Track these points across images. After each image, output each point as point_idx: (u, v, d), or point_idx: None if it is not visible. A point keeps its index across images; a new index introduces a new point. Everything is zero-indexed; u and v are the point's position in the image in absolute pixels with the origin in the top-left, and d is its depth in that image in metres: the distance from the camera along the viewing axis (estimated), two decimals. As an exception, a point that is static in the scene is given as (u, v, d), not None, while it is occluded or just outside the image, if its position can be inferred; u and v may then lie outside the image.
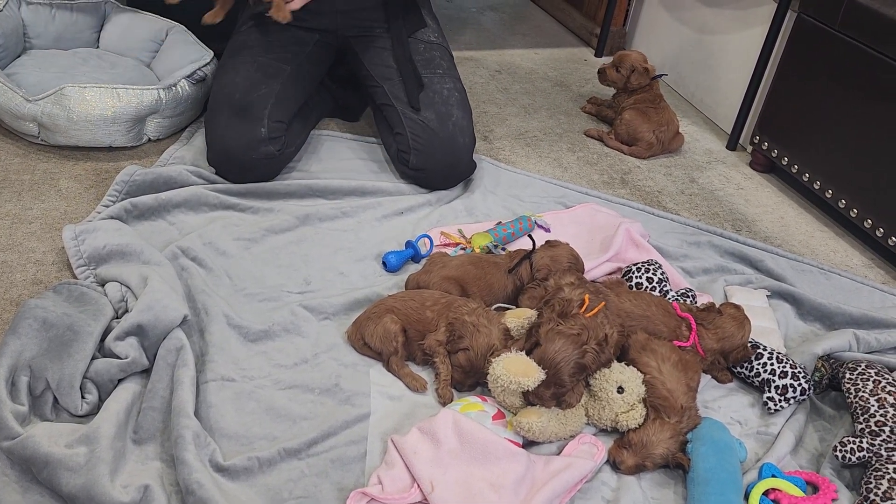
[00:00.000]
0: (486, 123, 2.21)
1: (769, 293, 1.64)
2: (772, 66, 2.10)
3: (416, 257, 1.61)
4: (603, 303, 1.30)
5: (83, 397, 1.18)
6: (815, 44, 1.89)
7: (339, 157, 1.93)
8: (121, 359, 1.21)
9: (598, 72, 2.20)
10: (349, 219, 1.70)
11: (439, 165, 1.77)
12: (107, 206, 1.59)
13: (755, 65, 2.13)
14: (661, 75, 2.18)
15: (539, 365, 1.21)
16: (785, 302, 1.64)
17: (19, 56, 1.96)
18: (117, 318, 1.31)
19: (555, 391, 1.21)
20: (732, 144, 2.25)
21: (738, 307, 1.45)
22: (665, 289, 1.55)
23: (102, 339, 1.25)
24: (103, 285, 1.37)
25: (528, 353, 1.24)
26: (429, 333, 1.35)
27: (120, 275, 1.35)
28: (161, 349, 1.25)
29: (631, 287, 1.53)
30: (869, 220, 1.81)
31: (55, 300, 1.28)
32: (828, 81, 1.87)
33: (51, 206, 1.62)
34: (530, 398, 1.22)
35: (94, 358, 1.22)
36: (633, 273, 1.56)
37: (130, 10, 2.09)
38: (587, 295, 1.30)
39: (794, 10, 1.99)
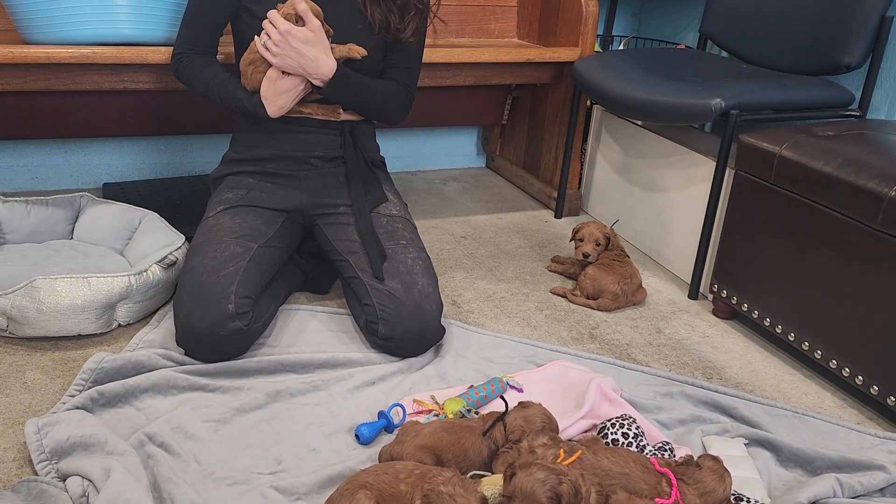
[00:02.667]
0: (455, 288, 2.26)
1: (747, 441, 1.63)
2: (719, 218, 2.22)
3: (389, 427, 1.59)
4: (580, 451, 1.32)
5: None
6: (755, 197, 2.01)
7: (309, 329, 1.95)
8: (79, 560, 1.15)
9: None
10: (320, 392, 1.69)
11: (408, 333, 1.80)
12: (72, 396, 1.56)
13: (704, 218, 2.25)
14: (613, 224, 2.46)
15: (513, 496, 1.21)
16: (764, 449, 1.62)
17: (-7, 251, 2.01)
18: (78, 514, 1.25)
19: None
20: (693, 294, 2.32)
21: (716, 459, 1.43)
22: (642, 443, 1.53)
23: (60, 540, 1.19)
24: (65, 480, 1.32)
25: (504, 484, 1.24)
26: (404, 508, 1.31)
27: (82, 468, 1.30)
28: (122, 546, 1.19)
29: (607, 444, 1.51)
30: (834, 361, 1.84)
31: (13, 499, 1.23)
32: (771, 230, 1.97)
33: (15, 399, 1.59)
34: None
35: (50, 561, 1.16)
36: (608, 429, 1.55)
37: (105, 201, 2.17)
38: (562, 450, 1.33)
39: (731, 168, 2.13)
